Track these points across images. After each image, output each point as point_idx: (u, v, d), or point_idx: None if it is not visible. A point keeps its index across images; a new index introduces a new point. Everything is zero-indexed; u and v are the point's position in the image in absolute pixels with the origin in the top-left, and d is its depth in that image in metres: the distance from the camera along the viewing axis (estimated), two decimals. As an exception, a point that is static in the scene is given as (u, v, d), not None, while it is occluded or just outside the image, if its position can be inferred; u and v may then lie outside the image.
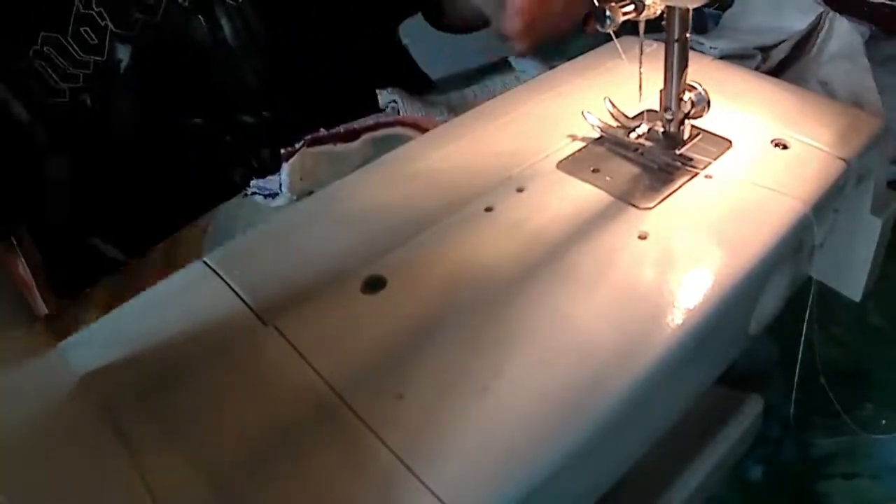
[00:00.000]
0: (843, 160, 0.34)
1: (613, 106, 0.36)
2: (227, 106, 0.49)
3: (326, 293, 0.30)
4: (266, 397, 0.26)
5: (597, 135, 0.36)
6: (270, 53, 0.40)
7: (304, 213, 0.34)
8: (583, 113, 0.36)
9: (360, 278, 0.30)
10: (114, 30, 0.46)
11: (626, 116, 0.36)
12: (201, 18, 0.49)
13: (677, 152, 0.34)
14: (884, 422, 0.37)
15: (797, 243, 0.33)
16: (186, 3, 0.47)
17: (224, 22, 0.49)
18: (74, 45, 0.45)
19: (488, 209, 0.33)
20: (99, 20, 0.45)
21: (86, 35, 0.45)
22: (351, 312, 0.29)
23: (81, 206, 0.47)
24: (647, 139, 0.35)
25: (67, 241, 0.47)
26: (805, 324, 0.34)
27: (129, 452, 0.25)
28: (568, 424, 0.24)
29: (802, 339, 0.35)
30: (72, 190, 0.47)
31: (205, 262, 0.32)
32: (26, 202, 0.45)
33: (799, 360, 0.35)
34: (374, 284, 0.30)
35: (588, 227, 0.31)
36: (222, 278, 0.31)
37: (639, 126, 0.35)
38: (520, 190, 0.34)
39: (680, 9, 0.31)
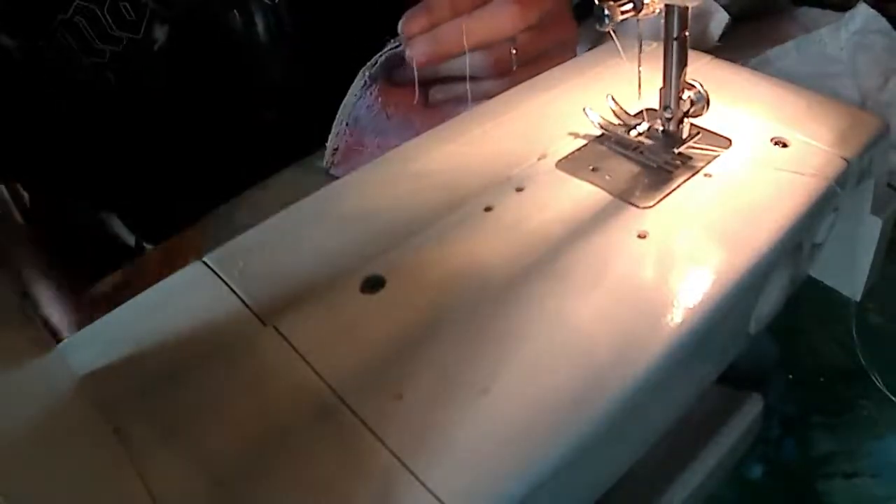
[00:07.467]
0: (844, 159, 0.34)
1: (616, 103, 0.36)
2: (251, 101, 0.49)
3: (326, 293, 0.30)
4: (265, 397, 0.26)
5: (596, 133, 0.36)
6: (300, 55, 0.40)
7: (303, 212, 0.34)
8: (584, 110, 0.36)
9: (359, 278, 0.30)
10: (153, 7, 0.45)
11: (628, 114, 0.36)
12: (236, 12, 0.49)
13: (676, 151, 0.34)
14: (884, 422, 0.37)
15: (797, 242, 0.33)
16: None
17: (258, 19, 0.50)
18: (109, 19, 0.44)
19: (487, 209, 0.33)
20: None
21: (124, 10, 0.44)
22: (350, 312, 0.29)
23: (97, 186, 0.47)
24: (647, 137, 0.35)
25: (76, 230, 0.46)
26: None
27: (129, 452, 0.25)
28: (567, 424, 0.24)
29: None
30: (87, 168, 0.47)
31: (204, 262, 0.32)
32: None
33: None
34: (374, 284, 0.30)
35: (587, 226, 0.31)
36: (221, 278, 0.31)
37: (639, 124, 0.35)
38: (519, 189, 0.34)
39: (679, 7, 0.31)
